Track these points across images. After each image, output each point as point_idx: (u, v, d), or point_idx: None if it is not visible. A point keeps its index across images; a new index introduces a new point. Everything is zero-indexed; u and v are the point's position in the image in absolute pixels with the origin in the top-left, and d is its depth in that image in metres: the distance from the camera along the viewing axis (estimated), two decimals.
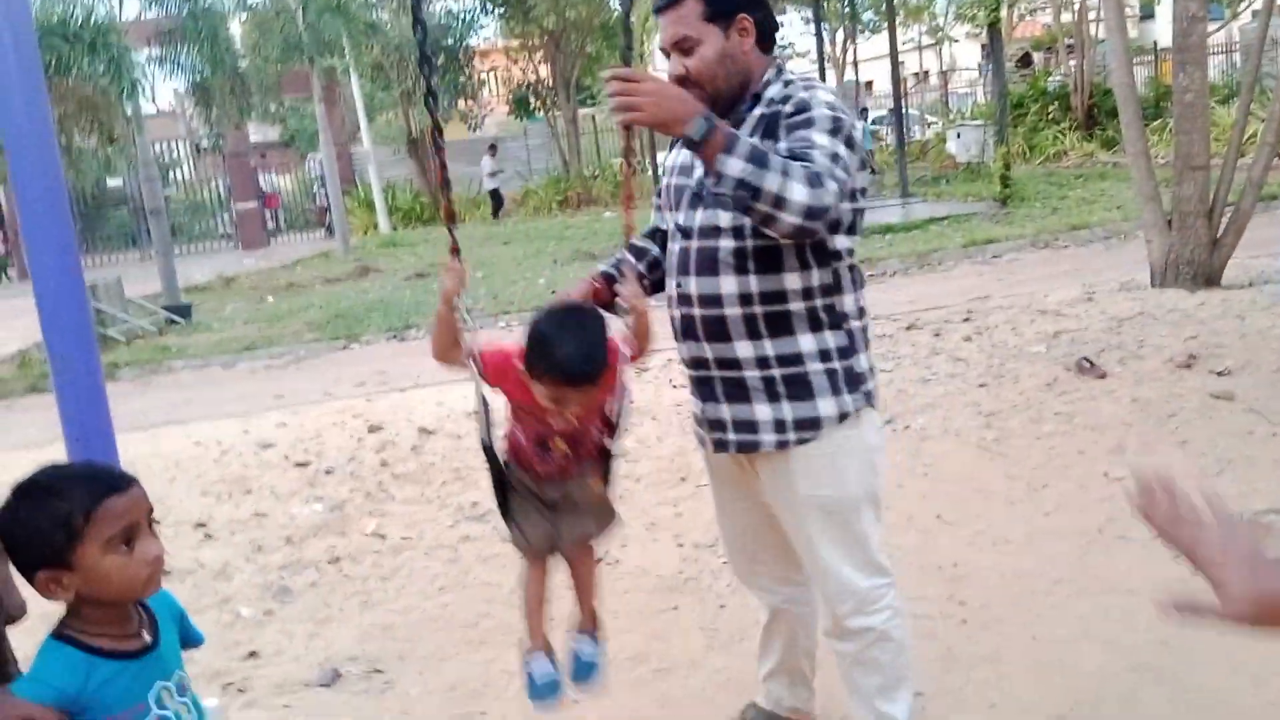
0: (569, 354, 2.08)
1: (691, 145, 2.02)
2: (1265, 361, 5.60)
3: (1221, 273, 7.72)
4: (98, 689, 1.52)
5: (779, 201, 1.97)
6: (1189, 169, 7.61)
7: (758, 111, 2.25)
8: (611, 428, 2.34)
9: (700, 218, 2.29)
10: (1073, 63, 22.59)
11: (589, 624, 2.50)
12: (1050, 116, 21.32)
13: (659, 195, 2.53)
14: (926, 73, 36.15)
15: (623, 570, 4.03)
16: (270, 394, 8.04)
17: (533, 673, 2.41)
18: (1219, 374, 5.52)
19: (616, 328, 2.27)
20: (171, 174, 25.78)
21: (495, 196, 22.92)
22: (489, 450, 2.31)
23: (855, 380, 2.30)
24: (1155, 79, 22.01)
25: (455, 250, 2.33)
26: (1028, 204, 14.20)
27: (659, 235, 2.54)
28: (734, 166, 1.98)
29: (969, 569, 3.68)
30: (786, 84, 2.26)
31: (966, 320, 7.63)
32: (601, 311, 2.25)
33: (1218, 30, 18.83)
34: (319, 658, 3.59)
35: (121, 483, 1.59)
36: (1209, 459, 4.41)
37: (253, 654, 3.66)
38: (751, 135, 2.18)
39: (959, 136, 20.33)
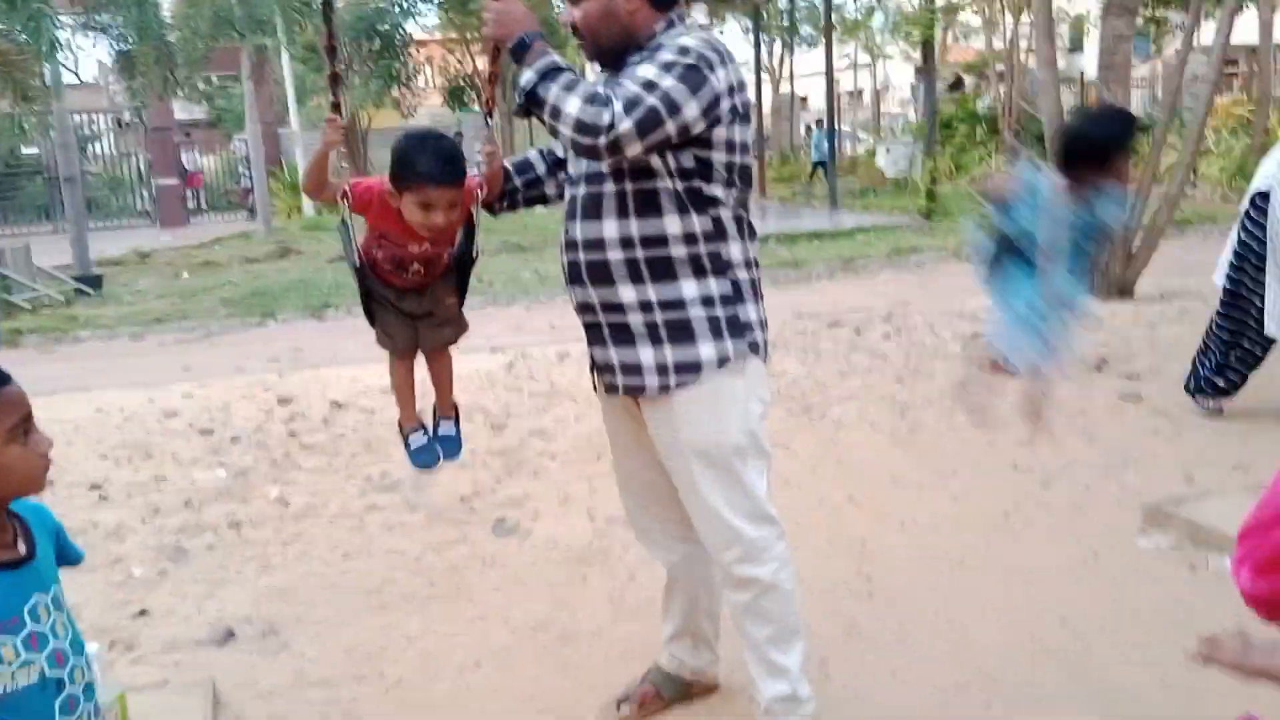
0: (432, 158, 2.31)
1: (514, 58, 2.20)
2: (1172, 369, 5.74)
3: (1134, 286, 7.92)
4: None
5: (555, 113, 2.09)
6: None
7: (641, 57, 2.22)
8: (464, 252, 2.57)
9: (586, 165, 2.30)
10: (1002, 88, 23.10)
11: (448, 410, 2.79)
12: (978, 138, 21.78)
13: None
14: (860, 91, 36.68)
15: (532, 542, 3.97)
16: (179, 366, 7.81)
17: (410, 443, 2.75)
18: (1129, 377, 5.65)
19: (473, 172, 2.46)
20: (91, 147, 25.01)
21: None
22: (358, 269, 2.52)
23: (739, 328, 2.29)
24: (1081, 105, 22.58)
25: (336, 107, 2.59)
26: (951, 218, 14.45)
27: (550, 157, 2.62)
28: (526, 77, 2.14)
29: (877, 547, 3.70)
30: (671, 34, 2.25)
31: (887, 320, 7.72)
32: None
33: (1141, 65, 19.42)
34: (212, 618, 3.46)
35: (6, 375, 1.53)
36: (1114, 453, 4.49)
37: (143, 612, 3.53)
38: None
39: (888, 152, 20.66)
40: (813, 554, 3.54)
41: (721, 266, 2.28)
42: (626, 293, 2.27)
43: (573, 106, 2.06)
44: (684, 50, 2.13)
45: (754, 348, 2.33)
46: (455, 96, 26.53)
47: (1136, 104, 20.01)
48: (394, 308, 2.57)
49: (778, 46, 29.05)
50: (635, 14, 2.25)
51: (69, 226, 13.66)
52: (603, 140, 2.05)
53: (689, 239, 2.24)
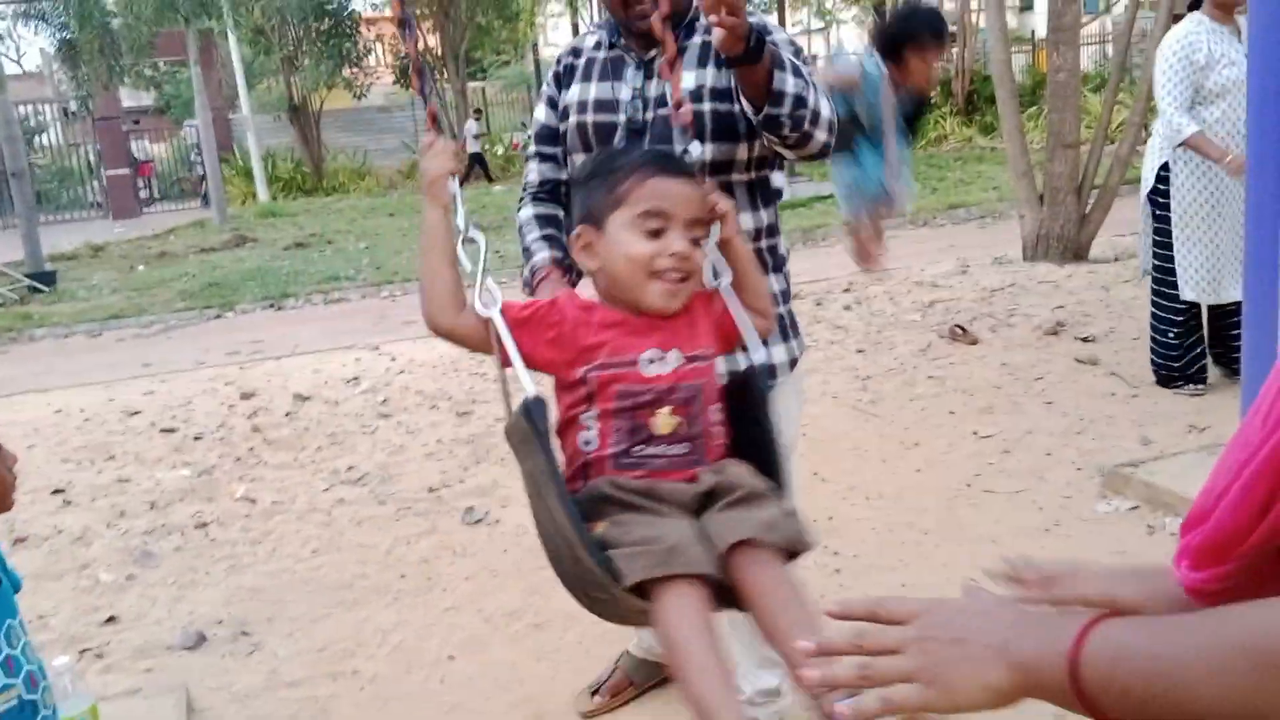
0: (647, 152, 1.68)
1: (743, 60, 1.83)
2: (1127, 330, 5.84)
3: (1089, 247, 8.01)
4: None
5: (816, 118, 1.91)
6: (1060, 146, 7.86)
7: (696, 40, 2.15)
8: (748, 393, 1.69)
9: None
10: (954, 50, 23.15)
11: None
12: (932, 101, 21.84)
13: (552, 139, 2.32)
14: (815, 57, 36.68)
15: (502, 530, 3.99)
16: (138, 363, 7.72)
17: None
18: (1084, 340, 5.73)
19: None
20: (38, 139, 24.53)
21: (479, 160, 21.92)
22: (552, 472, 1.49)
23: (797, 326, 2.30)
24: (1032, 67, 22.69)
25: (435, 117, 1.76)
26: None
27: (559, 190, 2.33)
28: (791, 83, 1.86)
29: (842, 521, 3.75)
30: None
31: (847, 291, 7.77)
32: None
33: (1092, 21, 19.55)
34: (183, 621, 3.46)
35: None
36: (1072, 418, 4.57)
37: (112, 619, 3.51)
38: (699, 66, 2.11)
39: None
40: None
41: (779, 262, 2.26)
42: None
43: (828, 110, 1.94)
44: (779, 29, 2.08)
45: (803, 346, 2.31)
46: (406, 74, 26.25)
47: (1087, 62, 20.16)
48: (649, 500, 1.51)
49: None
50: None
51: (19, 221, 13.42)
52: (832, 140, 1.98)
53: (756, 234, 2.18)
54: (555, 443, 1.57)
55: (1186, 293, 4.61)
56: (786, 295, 2.27)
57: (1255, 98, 3.02)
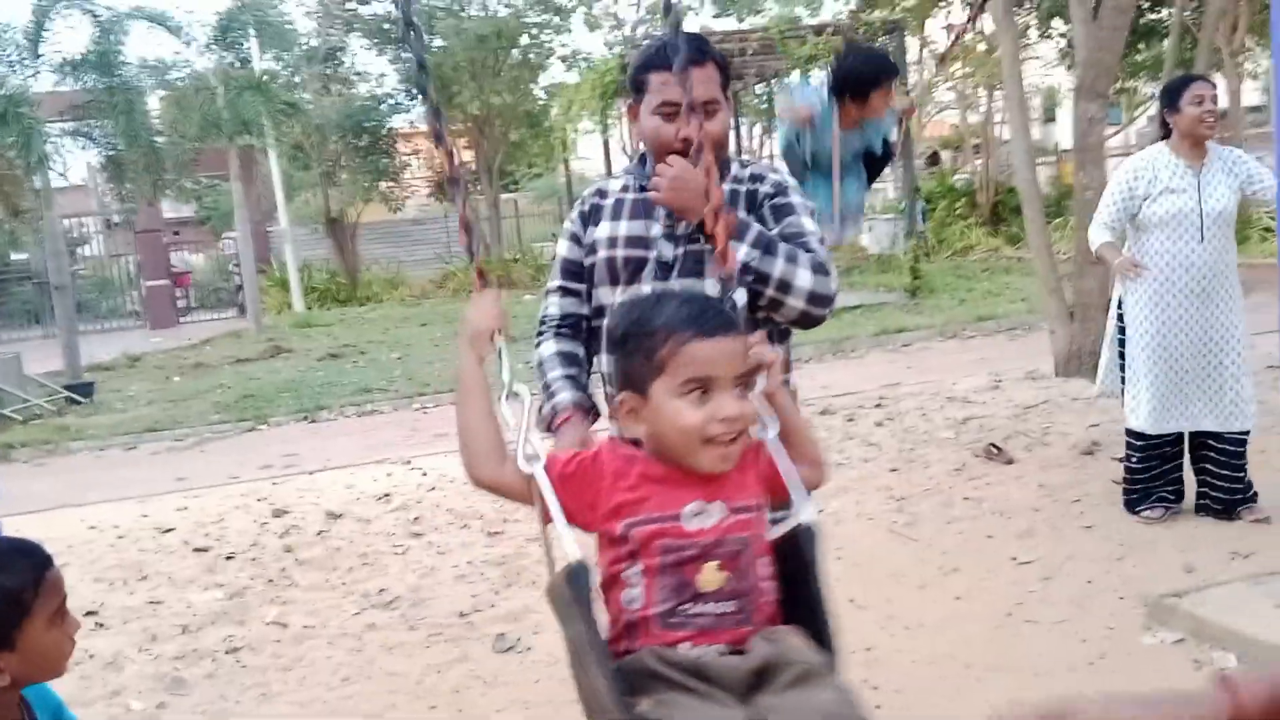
0: (685, 303, 1.59)
1: (701, 229, 2.09)
2: None
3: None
4: None
5: (784, 286, 2.10)
6: (1089, 263, 7.87)
7: (726, 187, 2.27)
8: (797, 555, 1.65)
9: (676, 288, 2.20)
10: (979, 161, 23.48)
11: None
12: (958, 212, 22.04)
13: (576, 275, 2.41)
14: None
15: (534, 658, 3.94)
16: (172, 477, 7.78)
17: None
18: (1120, 460, 5.66)
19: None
20: (80, 250, 25.16)
21: None
22: (593, 642, 1.48)
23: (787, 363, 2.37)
24: (1057, 178, 22.94)
25: (483, 274, 1.76)
26: (936, 295, 14.58)
27: (580, 325, 2.42)
28: (741, 252, 2.06)
29: (882, 653, 3.67)
30: (743, 164, 2.37)
31: (878, 406, 7.75)
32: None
33: (1116, 133, 19.80)
34: None
35: (49, 555, 1.54)
36: (1112, 544, 4.49)
37: None
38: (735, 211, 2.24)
39: (871, 229, 20.89)
40: None
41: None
42: None
43: (804, 280, 2.12)
44: (802, 196, 2.28)
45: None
46: (443, 189, 26.85)
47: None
48: (695, 679, 1.45)
49: (756, 129, 29.54)
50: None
51: (59, 333, 13.68)
52: (830, 310, 2.16)
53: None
54: (599, 602, 1.55)
55: (1130, 420, 4.64)
56: (788, 365, 2.39)
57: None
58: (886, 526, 5.03)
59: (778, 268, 2.09)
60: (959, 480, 5.62)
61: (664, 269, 2.26)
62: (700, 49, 2.25)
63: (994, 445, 6.05)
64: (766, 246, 2.10)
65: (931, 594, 4.19)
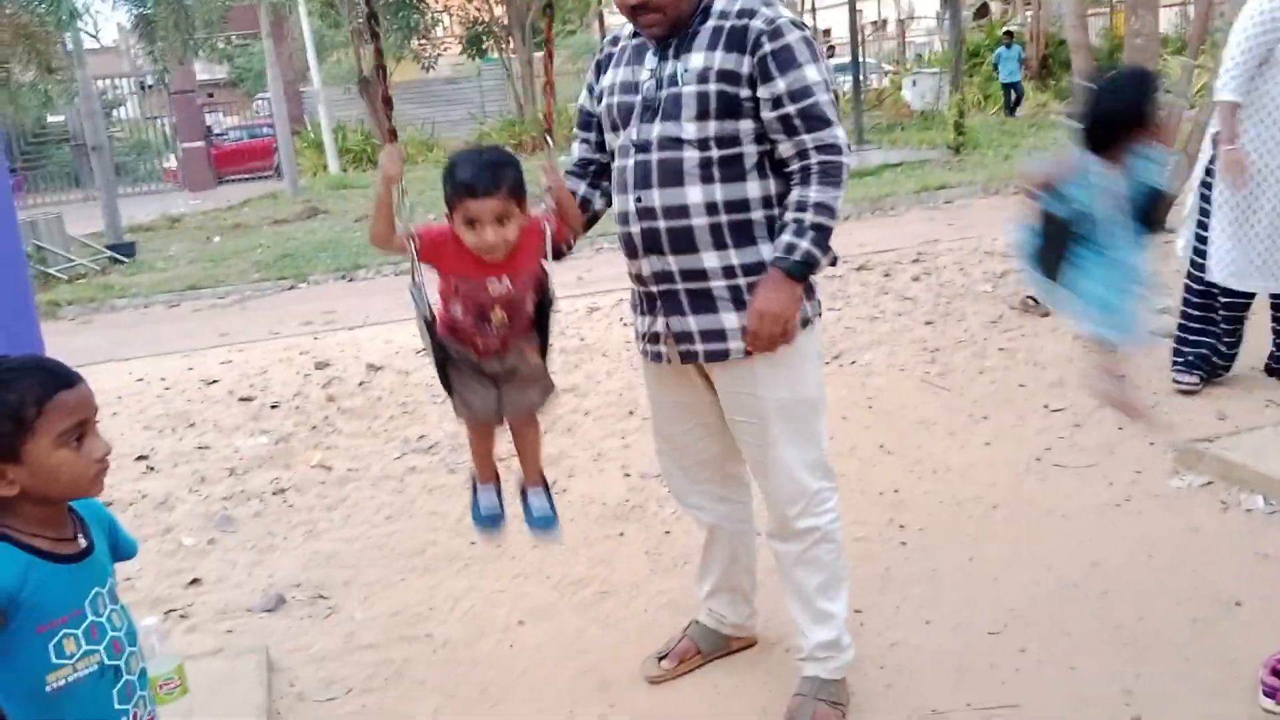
0: (469, 166, 2.15)
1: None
2: None
3: (1166, 216, 7.81)
4: (35, 591, 1.50)
5: (832, 209, 2.23)
6: None
7: (709, 25, 2.27)
8: (543, 298, 2.36)
9: (658, 130, 2.29)
10: (1029, 13, 22.62)
11: (537, 480, 2.57)
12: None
13: (587, 124, 2.55)
14: (885, 21, 36.04)
15: (569, 499, 4.04)
16: (215, 332, 7.93)
17: (479, 503, 2.57)
18: (1160, 312, 5.60)
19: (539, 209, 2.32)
20: (115, 112, 25.12)
21: None
22: (430, 325, 2.29)
23: (810, 288, 2.34)
24: (1109, 30, 22.09)
25: (392, 134, 2.29)
26: (980, 151, 14.27)
27: (589, 168, 2.55)
28: (822, 263, 2.25)
29: (908, 495, 3.74)
30: None
31: (916, 261, 7.69)
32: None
33: None
34: (262, 584, 3.57)
35: (73, 378, 1.58)
36: (1145, 392, 4.48)
37: (195, 581, 3.64)
38: (709, 49, 2.24)
39: (914, 84, 20.34)
40: (846, 504, 3.54)
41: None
42: (710, 259, 2.29)
43: (836, 198, 2.22)
44: (800, 31, 2.23)
45: (818, 306, 2.41)
46: (474, 44, 26.31)
47: (1166, 25, 19.53)
48: (474, 369, 2.32)
49: None
50: None
51: (99, 194, 13.79)
52: (850, 155, 2.28)
53: (766, 202, 2.29)
54: (438, 307, 2.31)
55: (1212, 273, 4.36)
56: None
57: None
58: (919, 377, 5.05)
59: (829, 230, 2.22)
60: (994, 332, 5.61)
61: (648, 112, 2.31)
62: None
63: (1031, 297, 5.99)
64: (821, 244, 2.21)
65: (960, 440, 4.23)
